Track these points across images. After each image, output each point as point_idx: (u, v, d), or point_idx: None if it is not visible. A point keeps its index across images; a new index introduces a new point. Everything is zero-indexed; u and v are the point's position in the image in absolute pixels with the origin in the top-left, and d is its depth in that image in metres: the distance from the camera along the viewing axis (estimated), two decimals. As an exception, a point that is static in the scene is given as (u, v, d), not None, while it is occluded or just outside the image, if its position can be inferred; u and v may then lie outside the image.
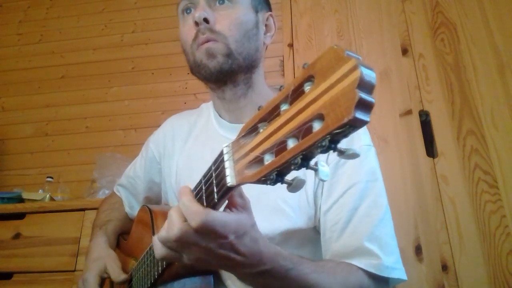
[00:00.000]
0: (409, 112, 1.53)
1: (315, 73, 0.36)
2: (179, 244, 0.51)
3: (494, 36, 1.55)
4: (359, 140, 0.80)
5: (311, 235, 0.80)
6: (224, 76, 0.82)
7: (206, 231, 0.48)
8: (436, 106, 1.51)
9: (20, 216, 1.57)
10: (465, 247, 1.30)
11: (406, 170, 1.44)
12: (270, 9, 0.93)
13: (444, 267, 1.30)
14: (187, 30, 0.83)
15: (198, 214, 0.48)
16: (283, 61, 1.82)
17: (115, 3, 2.41)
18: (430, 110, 1.51)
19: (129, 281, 0.84)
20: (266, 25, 0.90)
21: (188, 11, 0.85)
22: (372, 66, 0.32)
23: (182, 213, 0.50)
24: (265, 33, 0.90)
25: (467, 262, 1.29)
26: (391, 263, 0.70)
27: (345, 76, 0.33)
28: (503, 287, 1.23)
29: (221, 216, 0.49)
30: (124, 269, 0.87)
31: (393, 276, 0.70)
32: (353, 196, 0.74)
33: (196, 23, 0.79)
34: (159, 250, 0.54)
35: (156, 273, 0.68)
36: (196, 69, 0.83)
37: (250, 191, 0.79)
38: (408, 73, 1.59)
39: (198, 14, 0.79)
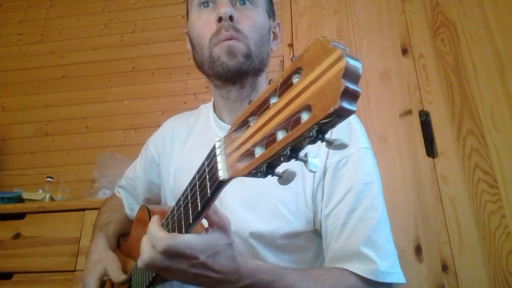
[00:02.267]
0: (409, 112, 1.53)
1: (302, 64, 0.36)
2: (152, 268, 0.56)
3: (494, 36, 1.55)
4: (357, 142, 0.79)
5: (311, 238, 0.80)
6: (238, 76, 0.81)
7: (173, 254, 0.52)
8: (436, 106, 1.51)
9: (20, 216, 1.58)
10: (465, 247, 1.30)
11: (406, 170, 1.44)
12: (275, 18, 0.95)
13: (444, 267, 1.30)
14: (204, 23, 0.83)
15: (162, 239, 0.52)
16: (283, 61, 1.82)
17: (115, 3, 2.41)
18: (430, 110, 1.51)
19: (128, 281, 0.84)
20: (273, 32, 0.92)
21: (206, 4, 0.84)
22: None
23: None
24: (272, 40, 0.91)
25: (467, 262, 1.29)
26: (387, 267, 0.70)
27: (331, 66, 0.33)
28: (503, 287, 1.23)
29: (187, 238, 0.52)
30: (125, 270, 0.87)
31: (388, 281, 0.70)
32: (350, 199, 0.74)
33: (220, 19, 0.79)
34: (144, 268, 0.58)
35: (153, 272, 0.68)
36: (210, 65, 0.81)
37: (250, 192, 0.80)
38: (408, 73, 1.59)
39: (224, 10, 0.78)
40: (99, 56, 2.31)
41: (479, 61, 1.53)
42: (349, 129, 0.80)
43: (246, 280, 0.58)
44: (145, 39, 2.30)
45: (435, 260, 1.31)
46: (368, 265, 0.69)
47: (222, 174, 0.45)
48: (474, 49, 1.56)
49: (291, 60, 0.38)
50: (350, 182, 0.75)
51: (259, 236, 0.77)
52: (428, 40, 1.62)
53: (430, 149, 1.46)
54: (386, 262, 0.70)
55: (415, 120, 1.51)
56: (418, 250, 1.33)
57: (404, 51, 1.63)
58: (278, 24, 0.94)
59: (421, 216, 1.37)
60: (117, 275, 0.83)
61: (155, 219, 0.57)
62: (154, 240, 0.53)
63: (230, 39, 0.78)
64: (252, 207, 0.79)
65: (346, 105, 0.32)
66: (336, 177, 0.76)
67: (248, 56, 0.80)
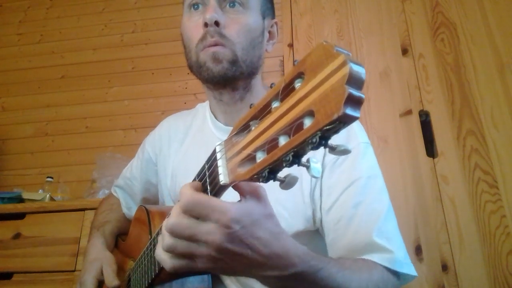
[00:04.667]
0: (409, 112, 1.53)
1: (305, 69, 0.36)
2: (180, 240, 0.45)
3: (494, 36, 1.55)
4: (356, 137, 0.79)
5: (310, 239, 0.79)
6: (225, 81, 0.81)
7: (197, 213, 0.44)
8: (436, 106, 1.51)
9: (20, 216, 1.57)
10: (465, 247, 1.30)
11: (406, 170, 1.44)
12: (274, 16, 0.93)
13: (444, 267, 1.30)
14: (193, 27, 0.82)
15: (185, 194, 0.45)
16: (283, 61, 1.82)
17: (115, 3, 2.41)
18: (430, 110, 1.51)
19: (127, 281, 0.84)
20: (269, 32, 0.90)
21: (196, 6, 0.83)
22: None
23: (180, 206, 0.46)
24: (268, 40, 0.89)
25: (467, 262, 1.29)
26: (402, 257, 0.70)
27: (334, 72, 0.33)
28: (503, 287, 1.23)
29: (214, 200, 0.44)
30: (122, 270, 0.87)
31: (404, 271, 0.69)
32: (354, 192, 0.74)
33: (206, 24, 0.78)
34: (167, 261, 0.48)
35: (153, 273, 0.68)
36: (197, 70, 0.81)
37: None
38: (408, 73, 1.59)
39: (210, 16, 0.77)
40: (99, 56, 2.31)
41: (479, 61, 1.53)
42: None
43: (297, 267, 0.48)
44: (145, 39, 2.30)
45: (435, 260, 1.31)
46: (386, 254, 0.68)
47: (223, 178, 0.44)
48: (474, 49, 1.56)
49: (294, 64, 0.38)
50: (351, 176, 0.75)
51: None
52: (428, 40, 1.62)
53: (430, 149, 1.46)
54: (401, 252, 0.70)
55: (415, 120, 1.51)
56: (418, 250, 1.33)
57: (404, 51, 1.63)
58: (276, 23, 0.92)
59: (421, 216, 1.37)
60: (111, 279, 0.82)
61: (194, 183, 0.49)
62: (180, 196, 0.45)
63: (215, 45, 0.78)
64: None
65: (349, 111, 0.32)
66: (335, 174, 0.76)
67: (234, 62, 0.78)
